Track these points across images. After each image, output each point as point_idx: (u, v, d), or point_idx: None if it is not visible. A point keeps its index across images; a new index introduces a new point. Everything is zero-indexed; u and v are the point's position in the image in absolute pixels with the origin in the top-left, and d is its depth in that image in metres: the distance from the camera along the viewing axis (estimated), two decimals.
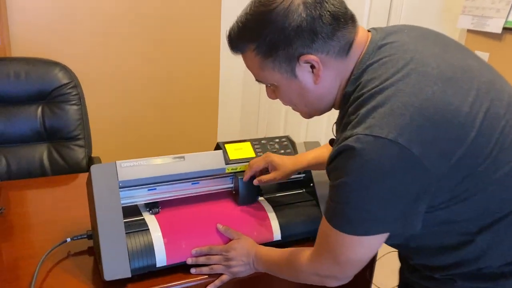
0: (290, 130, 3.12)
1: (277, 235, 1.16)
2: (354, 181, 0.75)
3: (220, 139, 3.10)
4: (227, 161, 1.16)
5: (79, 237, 1.12)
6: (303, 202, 1.24)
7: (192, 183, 1.15)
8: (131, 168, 1.06)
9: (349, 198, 0.77)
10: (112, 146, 2.53)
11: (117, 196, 1.02)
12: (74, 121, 1.86)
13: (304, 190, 1.29)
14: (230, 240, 1.10)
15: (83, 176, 1.67)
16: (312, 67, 0.83)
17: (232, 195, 1.23)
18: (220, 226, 1.10)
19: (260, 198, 1.24)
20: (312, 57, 0.81)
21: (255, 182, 1.15)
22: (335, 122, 0.94)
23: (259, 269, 1.05)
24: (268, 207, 1.20)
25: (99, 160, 1.95)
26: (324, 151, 1.16)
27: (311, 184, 1.26)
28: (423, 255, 0.87)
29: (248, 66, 0.89)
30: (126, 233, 1.02)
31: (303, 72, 0.84)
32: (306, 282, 0.95)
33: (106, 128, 2.51)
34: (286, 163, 1.14)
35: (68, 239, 1.11)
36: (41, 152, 1.84)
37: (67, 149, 1.87)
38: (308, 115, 0.95)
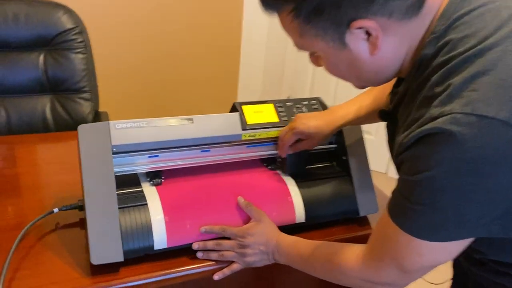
0: (317, 92, 2.89)
1: (300, 216, 0.97)
2: (447, 177, 0.56)
3: (240, 100, 2.90)
4: (244, 126, 0.96)
5: (68, 208, 0.96)
6: (333, 177, 1.05)
7: (201, 151, 0.97)
8: (128, 130, 0.88)
9: (437, 198, 0.57)
10: (121, 101, 2.36)
11: (109, 163, 0.85)
12: (79, 71, 1.68)
13: (334, 163, 1.09)
14: (248, 221, 0.92)
15: None
16: (368, 33, 0.61)
17: (249, 165, 1.04)
18: (241, 200, 0.92)
19: (280, 171, 1.05)
20: (367, 23, 0.59)
21: (282, 153, 0.97)
22: (391, 92, 0.73)
23: (279, 261, 0.88)
24: (290, 182, 1.01)
25: (106, 116, 1.78)
26: (366, 103, 0.95)
27: (344, 157, 1.06)
28: (498, 250, 0.67)
29: (284, 29, 0.67)
30: (119, 207, 0.85)
31: (356, 41, 0.62)
32: (348, 285, 0.78)
33: (115, 81, 2.33)
34: (321, 128, 0.95)
35: (56, 209, 0.95)
36: (44, 105, 1.68)
37: (72, 103, 1.70)
38: (361, 86, 0.74)
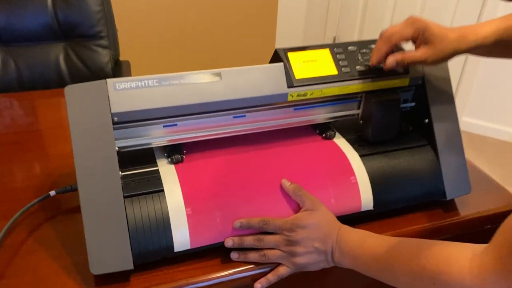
0: (367, 34, 2.54)
1: (367, 202, 0.73)
2: None
3: (278, 46, 2.58)
4: (291, 81, 0.70)
5: (67, 190, 0.76)
6: (410, 148, 0.78)
7: (234, 117, 0.72)
8: (133, 92, 0.64)
9: None
10: (145, 49, 2.11)
11: (108, 138, 0.62)
12: (94, 13, 1.45)
13: (410, 128, 0.82)
14: (297, 211, 0.68)
15: None
16: None
17: (297, 134, 0.79)
18: (286, 183, 0.69)
19: (340, 141, 0.79)
20: None
21: (389, 64, 0.71)
22: None
23: (341, 264, 0.65)
24: (352, 156, 0.75)
25: (128, 66, 1.55)
26: None
27: (426, 120, 0.78)
28: None
29: None
30: (125, 196, 0.63)
31: None
32: None
33: (137, 25, 2.07)
34: (448, 36, 0.67)
35: (53, 192, 0.75)
36: (57, 54, 1.46)
37: (88, 51, 1.47)
38: None
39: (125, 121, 0.65)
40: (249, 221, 0.66)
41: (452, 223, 0.77)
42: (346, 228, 0.66)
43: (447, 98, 0.78)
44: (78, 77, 1.48)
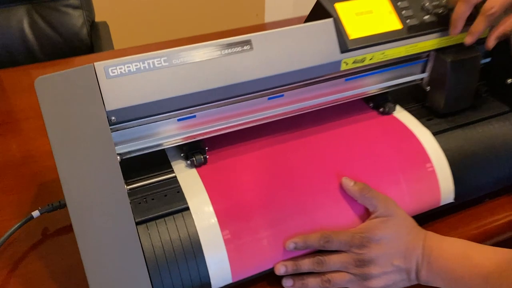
0: None
1: (447, 194, 0.57)
2: None
3: (269, 25, 2.30)
4: (345, 43, 0.52)
5: (54, 207, 0.58)
6: (490, 118, 0.61)
7: (269, 98, 0.54)
8: (133, 78, 0.45)
9: None
10: (123, 7, 1.86)
11: (104, 146, 0.44)
12: None
13: (485, 91, 0.65)
14: (365, 218, 0.52)
15: (86, 59, 1.07)
16: None
17: (348, 111, 0.61)
18: (349, 183, 0.52)
19: (403, 115, 0.62)
20: None
21: (492, 44, 0.56)
22: None
23: (430, 283, 0.49)
24: (423, 134, 0.58)
25: (106, 28, 1.32)
26: None
27: (509, 80, 0.61)
28: None
29: None
30: (137, 223, 0.46)
31: None
32: None
33: None
34: None
35: (36, 213, 0.57)
36: (19, 19, 1.23)
37: (56, 13, 1.24)
38: None
39: (126, 120, 0.46)
40: (306, 240, 0.49)
41: None
42: (435, 237, 0.50)
43: None
44: (49, 46, 1.25)
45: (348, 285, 0.50)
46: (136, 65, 0.45)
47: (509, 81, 0.61)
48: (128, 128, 0.48)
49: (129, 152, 0.49)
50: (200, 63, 0.47)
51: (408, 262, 0.50)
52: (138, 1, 1.91)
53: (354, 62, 0.53)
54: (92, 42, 1.27)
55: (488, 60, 0.63)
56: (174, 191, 0.50)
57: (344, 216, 0.52)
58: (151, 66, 0.45)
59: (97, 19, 1.32)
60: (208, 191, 0.50)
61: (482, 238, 0.58)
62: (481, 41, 0.60)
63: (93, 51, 1.25)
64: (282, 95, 0.54)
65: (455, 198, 0.57)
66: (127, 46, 1.13)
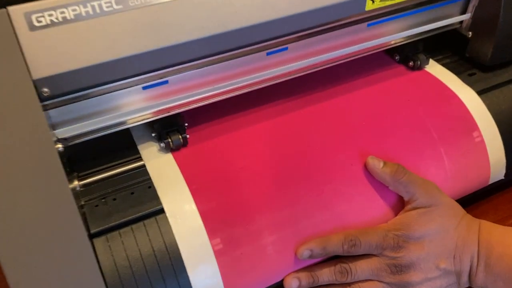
0: None
1: (498, 169, 0.44)
2: None
3: None
4: None
5: None
6: None
7: (268, 53, 0.40)
8: (71, 29, 0.30)
9: None
10: None
11: (35, 130, 0.30)
12: None
13: None
14: (400, 209, 0.40)
15: None
16: None
17: (370, 68, 0.47)
18: (376, 163, 0.39)
19: (438, 70, 0.48)
20: None
21: None
22: None
23: (486, 286, 0.37)
24: (467, 95, 0.45)
25: None
26: None
27: None
28: None
29: None
30: (92, 235, 0.33)
31: None
32: None
33: None
34: None
35: None
36: None
37: None
38: None
39: (67, 92, 0.32)
40: (326, 244, 0.37)
41: None
42: (494, 229, 0.38)
43: None
44: None
45: None
46: (74, 10, 0.30)
47: None
48: (72, 102, 0.34)
49: (77, 136, 0.35)
50: (170, 4, 0.32)
51: (458, 263, 0.38)
52: None
53: (381, 1, 0.39)
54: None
55: None
56: (143, 186, 0.37)
57: (372, 208, 0.39)
58: (97, 10, 0.31)
59: None
60: (189, 184, 0.36)
61: None
62: None
63: None
64: (286, 48, 0.40)
65: (506, 175, 0.45)
66: None
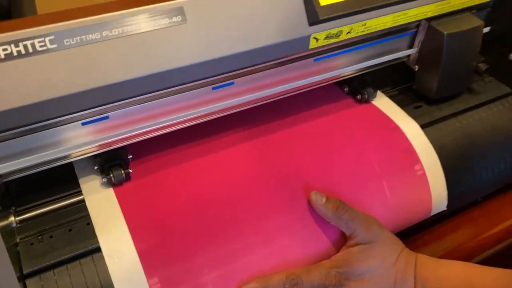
0: None
1: (440, 201, 0.45)
2: None
3: None
4: (315, 13, 0.38)
5: None
6: (489, 102, 0.50)
7: (214, 88, 0.40)
8: (9, 67, 0.30)
9: None
10: None
11: None
12: None
13: (484, 69, 0.53)
14: (342, 245, 0.40)
15: None
16: None
17: (318, 100, 0.48)
18: (318, 199, 0.39)
19: (384, 103, 0.49)
20: None
21: None
22: None
23: None
24: (411, 128, 0.46)
25: None
26: None
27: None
28: None
29: None
30: (25, 275, 0.32)
31: None
32: None
33: None
34: None
35: None
36: None
37: None
38: None
39: (1, 130, 0.31)
40: (266, 285, 0.37)
41: None
42: (429, 263, 0.39)
43: None
44: None
45: None
46: (4, 50, 0.29)
47: (511, 56, 0.49)
48: (8, 139, 0.33)
49: (13, 173, 0.35)
50: (108, 44, 0.32)
51: None
52: None
53: (327, 37, 0.39)
54: (12, 13, 1.06)
55: (487, 29, 0.51)
56: (82, 223, 0.36)
57: (314, 243, 0.39)
58: (30, 50, 0.30)
59: None
60: (128, 221, 0.36)
61: (480, 251, 0.48)
62: (482, 6, 0.48)
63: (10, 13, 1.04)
64: (232, 83, 0.40)
65: (448, 205, 0.46)
66: (55, 7, 0.95)
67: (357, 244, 0.39)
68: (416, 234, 0.47)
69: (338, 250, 0.40)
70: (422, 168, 0.44)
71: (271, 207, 0.39)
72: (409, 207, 0.44)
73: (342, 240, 0.40)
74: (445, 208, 0.46)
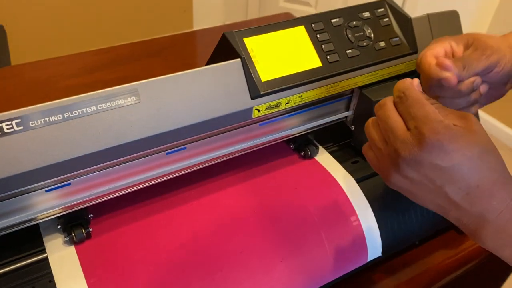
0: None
1: (375, 248, 0.51)
2: None
3: (197, 19, 2.18)
4: (256, 88, 0.43)
5: None
6: None
7: (167, 153, 0.44)
8: None
9: None
10: (23, 9, 1.66)
11: None
12: None
13: None
14: None
15: None
16: None
17: (265, 157, 0.53)
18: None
19: (325, 159, 0.55)
20: None
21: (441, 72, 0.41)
22: None
23: (489, 245, 0.34)
24: (347, 182, 0.52)
25: (3, 34, 1.16)
26: None
27: None
28: None
29: None
30: None
31: None
32: None
33: None
34: (499, 46, 0.43)
35: None
36: None
37: None
38: None
39: None
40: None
41: (476, 248, 0.58)
42: None
43: None
44: None
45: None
46: None
47: None
48: None
49: None
50: (70, 123, 0.36)
51: (473, 202, 0.33)
52: (40, 1, 1.72)
53: (267, 108, 0.45)
54: None
55: None
56: (45, 280, 0.40)
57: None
58: (4, 130, 0.34)
59: None
60: (87, 277, 0.40)
61: None
62: (406, 75, 0.54)
63: None
64: (184, 148, 0.45)
65: (383, 252, 0.51)
66: (28, 56, 0.99)
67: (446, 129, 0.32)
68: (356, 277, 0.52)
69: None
70: (357, 219, 0.50)
71: (220, 261, 0.44)
72: (347, 254, 0.49)
73: None
74: (381, 255, 0.51)
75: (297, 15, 0.61)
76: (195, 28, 2.22)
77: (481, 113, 1.80)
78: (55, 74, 0.89)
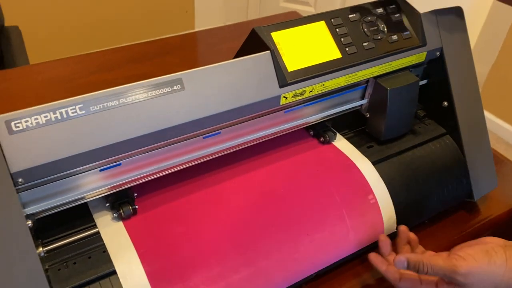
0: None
1: (390, 225, 0.56)
2: None
3: (199, 19, 2.23)
4: (284, 77, 0.48)
5: None
6: (428, 141, 0.61)
7: (204, 137, 0.49)
8: (42, 131, 0.38)
9: None
10: (37, 10, 1.70)
11: (10, 213, 0.37)
12: None
13: (423, 115, 0.64)
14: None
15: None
16: None
17: (288, 142, 0.58)
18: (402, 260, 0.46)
19: (342, 144, 0.60)
20: None
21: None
22: None
23: None
24: (364, 165, 0.56)
25: (18, 34, 1.20)
26: None
27: (445, 103, 0.61)
28: None
29: None
30: None
31: None
32: None
33: None
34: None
35: None
36: None
37: None
38: None
39: (37, 178, 0.40)
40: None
41: (481, 226, 0.62)
42: None
43: (469, 73, 0.61)
44: None
45: None
46: (45, 116, 0.38)
47: (445, 104, 0.60)
48: (40, 185, 0.41)
49: (44, 211, 0.43)
50: (124, 108, 0.41)
51: None
52: (53, 1, 1.76)
53: (294, 96, 0.50)
54: (1, 51, 1.14)
55: (425, 81, 0.62)
56: (99, 251, 0.44)
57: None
58: (64, 116, 0.39)
59: (7, 23, 1.19)
60: (137, 248, 0.44)
61: None
62: (416, 65, 0.59)
63: (3, 62, 1.12)
64: (219, 133, 0.50)
65: (397, 228, 0.56)
66: (44, 55, 1.03)
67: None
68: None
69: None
70: (374, 198, 0.54)
71: (255, 236, 0.48)
72: (365, 229, 0.53)
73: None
74: (395, 230, 0.56)
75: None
76: (197, 29, 2.26)
77: None
78: (75, 71, 0.93)
